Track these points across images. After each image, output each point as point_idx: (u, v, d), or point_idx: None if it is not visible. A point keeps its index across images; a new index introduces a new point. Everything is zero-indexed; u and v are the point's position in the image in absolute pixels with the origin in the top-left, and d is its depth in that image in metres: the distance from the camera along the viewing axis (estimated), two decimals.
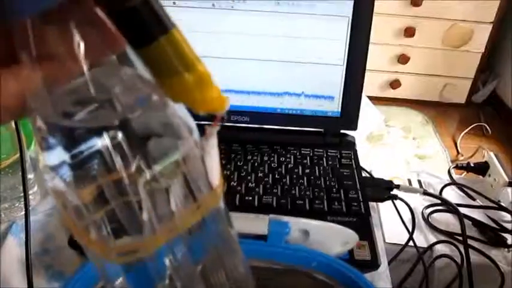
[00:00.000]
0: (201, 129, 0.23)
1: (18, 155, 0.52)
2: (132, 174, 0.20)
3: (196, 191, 0.23)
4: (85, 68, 0.20)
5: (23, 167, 0.49)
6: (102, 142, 0.20)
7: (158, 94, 0.21)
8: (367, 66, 0.66)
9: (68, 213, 0.22)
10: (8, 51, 0.20)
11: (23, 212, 0.48)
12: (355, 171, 0.64)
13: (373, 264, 0.51)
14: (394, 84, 2.20)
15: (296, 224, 0.44)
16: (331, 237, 0.44)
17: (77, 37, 0.20)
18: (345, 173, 0.63)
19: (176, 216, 0.22)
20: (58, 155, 0.20)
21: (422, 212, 0.84)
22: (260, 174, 0.63)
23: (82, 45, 0.20)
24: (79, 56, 0.20)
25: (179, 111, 0.22)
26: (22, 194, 0.49)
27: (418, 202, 0.85)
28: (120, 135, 0.20)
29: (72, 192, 0.21)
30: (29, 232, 0.46)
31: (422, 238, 0.81)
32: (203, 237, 0.24)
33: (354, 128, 0.69)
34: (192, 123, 0.23)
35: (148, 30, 0.20)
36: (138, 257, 0.22)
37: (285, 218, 0.44)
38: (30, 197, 0.57)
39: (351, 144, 0.69)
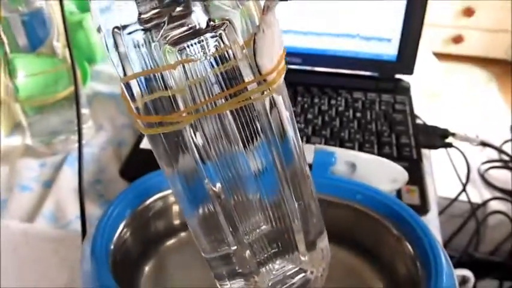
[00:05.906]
0: None
1: (73, 87, 0.53)
2: None
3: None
4: None
5: (77, 99, 0.51)
6: None
7: None
8: (429, 21, 0.61)
9: None
10: None
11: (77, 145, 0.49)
12: (408, 117, 0.61)
13: (422, 209, 0.49)
14: (457, 39, 2.08)
15: (343, 155, 0.42)
16: (379, 173, 0.42)
17: None
18: (397, 119, 0.61)
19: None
20: None
21: (478, 167, 0.81)
22: (309, 116, 0.61)
23: None
24: None
25: None
26: (77, 128, 0.50)
27: (475, 157, 0.82)
28: None
29: None
30: (81, 162, 0.47)
31: (477, 194, 0.78)
32: None
33: (410, 72, 0.65)
34: None
35: None
36: None
37: (332, 149, 0.42)
38: (85, 131, 0.59)
39: (406, 90, 0.66)
